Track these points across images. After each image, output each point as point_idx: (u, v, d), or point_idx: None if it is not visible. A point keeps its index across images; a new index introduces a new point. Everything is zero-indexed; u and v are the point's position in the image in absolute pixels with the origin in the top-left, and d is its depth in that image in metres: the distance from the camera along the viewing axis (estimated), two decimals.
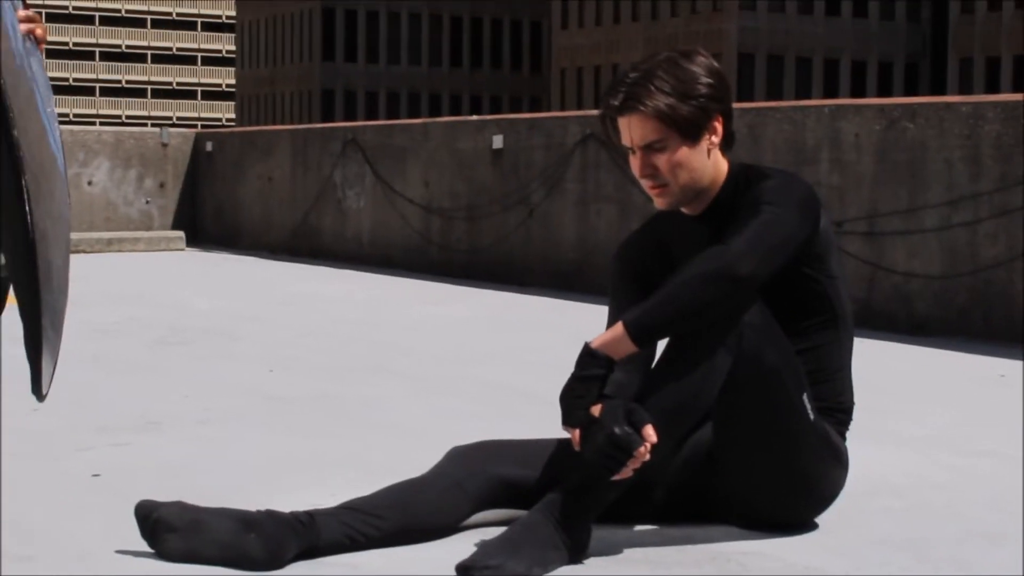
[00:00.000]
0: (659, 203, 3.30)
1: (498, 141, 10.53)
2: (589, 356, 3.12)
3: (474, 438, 4.23)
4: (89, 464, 4.06)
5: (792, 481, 3.30)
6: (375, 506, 3.19)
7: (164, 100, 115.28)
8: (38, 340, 2.59)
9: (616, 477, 3.06)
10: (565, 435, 3.48)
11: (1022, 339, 6.88)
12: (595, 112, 9.79)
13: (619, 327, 3.11)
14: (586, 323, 7.90)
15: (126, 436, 4.49)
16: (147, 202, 14.84)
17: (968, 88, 51.57)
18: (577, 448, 3.12)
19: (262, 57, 78.96)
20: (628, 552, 3.20)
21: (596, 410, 3.10)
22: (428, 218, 11.37)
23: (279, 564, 3.01)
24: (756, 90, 53.75)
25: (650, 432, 3.04)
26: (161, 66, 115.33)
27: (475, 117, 11.13)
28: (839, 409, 3.40)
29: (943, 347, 6.83)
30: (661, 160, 3.24)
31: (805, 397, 3.25)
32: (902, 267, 7.33)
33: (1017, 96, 6.92)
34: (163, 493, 3.24)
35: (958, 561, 3.13)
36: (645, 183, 3.29)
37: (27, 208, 2.42)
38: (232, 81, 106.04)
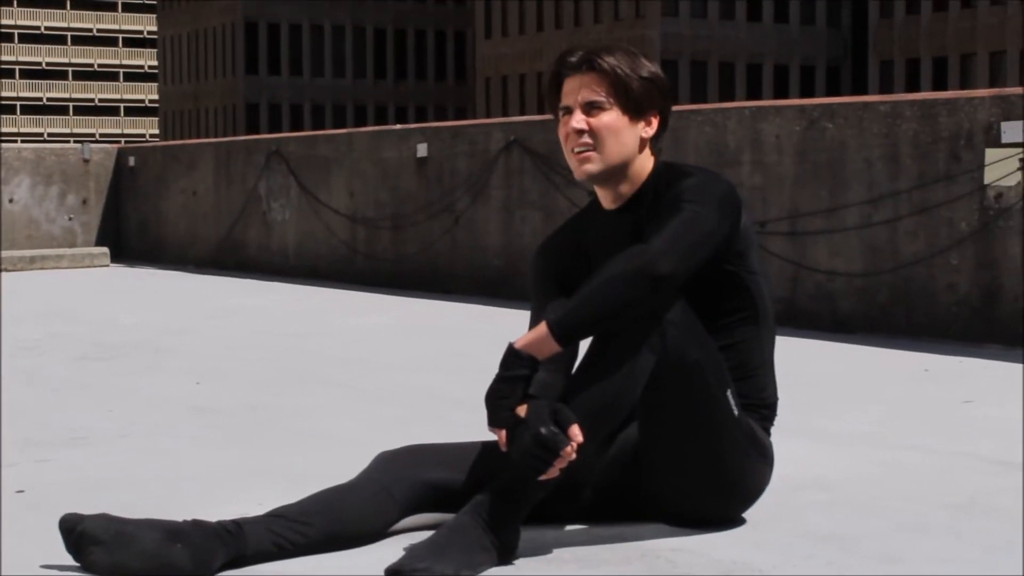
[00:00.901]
0: (583, 169, 3.31)
1: (422, 149, 10.53)
2: (513, 356, 3.13)
3: (403, 444, 4.23)
4: (13, 480, 4.01)
5: (718, 478, 3.32)
6: (302, 513, 3.17)
7: (86, 117, 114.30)
8: None
9: (543, 477, 3.07)
10: (490, 438, 3.48)
11: (943, 335, 6.96)
12: (518, 119, 9.81)
13: (542, 327, 3.12)
14: (512, 328, 7.90)
15: (50, 452, 4.44)
16: (70, 219, 14.70)
17: (889, 90, 52.12)
18: (504, 449, 3.12)
19: (185, 72, 78.47)
20: (557, 552, 3.20)
21: (522, 410, 3.10)
22: (353, 228, 11.34)
23: (207, 574, 2.99)
24: (680, 95, 54.04)
25: (576, 432, 3.05)
26: (83, 83, 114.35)
27: (399, 126, 11.13)
28: (762, 405, 3.43)
29: (866, 344, 6.90)
30: (598, 121, 3.28)
31: (729, 393, 3.27)
32: (824, 266, 7.39)
33: (934, 94, 7.00)
34: (88, 507, 3.21)
35: (884, 553, 3.16)
36: (574, 144, 3.30)
37: None
38: (155, 96, 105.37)
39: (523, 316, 8.60)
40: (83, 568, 3.03)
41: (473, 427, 4.30)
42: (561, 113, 3.36)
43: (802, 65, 57.22)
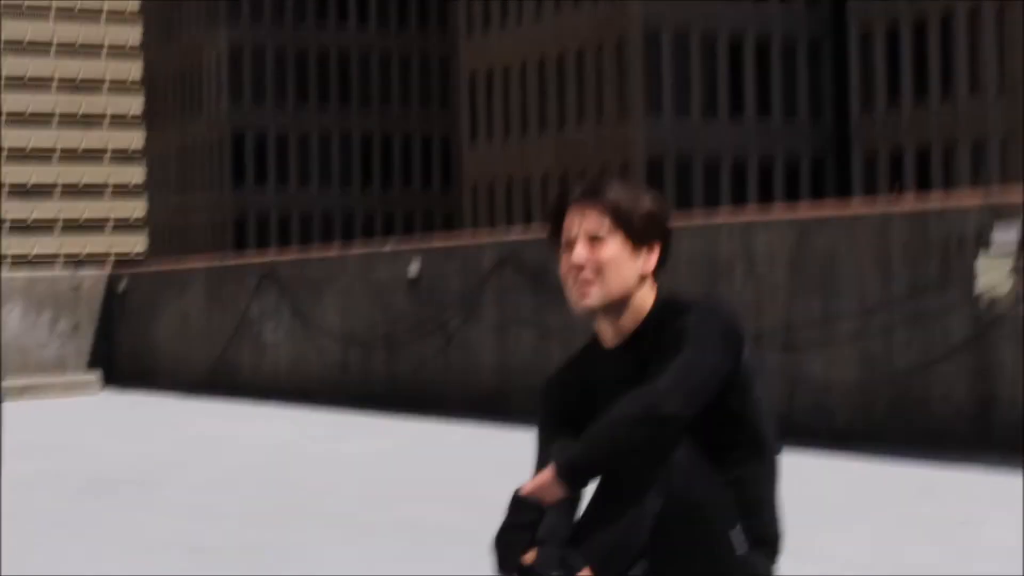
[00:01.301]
0: (583, 304, 3.27)
1: (414, 269, 10.54)
2: (519, 503, 3.09)
3: None
4: None
5: None
6: None
7: (73, 235, 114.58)
8: None
9: None
10: None
11: (941, 444, 6.92)
12: (510, 238, 9.83)
13: (549, 472, 3.08)
14: (507, 454, 7.87)
15: None
16: (61, 345, 14.66)
17: (873, 184, 52.41)
18: None
19: (172, 186, 78.81)
20: None
21: (530, 556, 3.06)
22: (346, 348, 11.32)
23: None
24: (667, 195, 54.33)
25: None
26: (71, 202, 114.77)
27: (389, 248, 11.14)
28: (767, 540, 3.38)
29: (864, 456, 6.85)
30: (601, 253, 3.25)
31: (734, 532, 3.22)
32: (820, 377, 7.37)
33: (922, 205, 7.03)
34: None
35: None
36: (576, 275, 3.27)
37: None
38: (142, 212, 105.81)
39: (517, 438, 8.56)
40: None
41: (474, 560, 4.27)
42: (564, 247, 3.34)
43: (786, 160, 57.62)
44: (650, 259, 3.34)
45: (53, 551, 5.37)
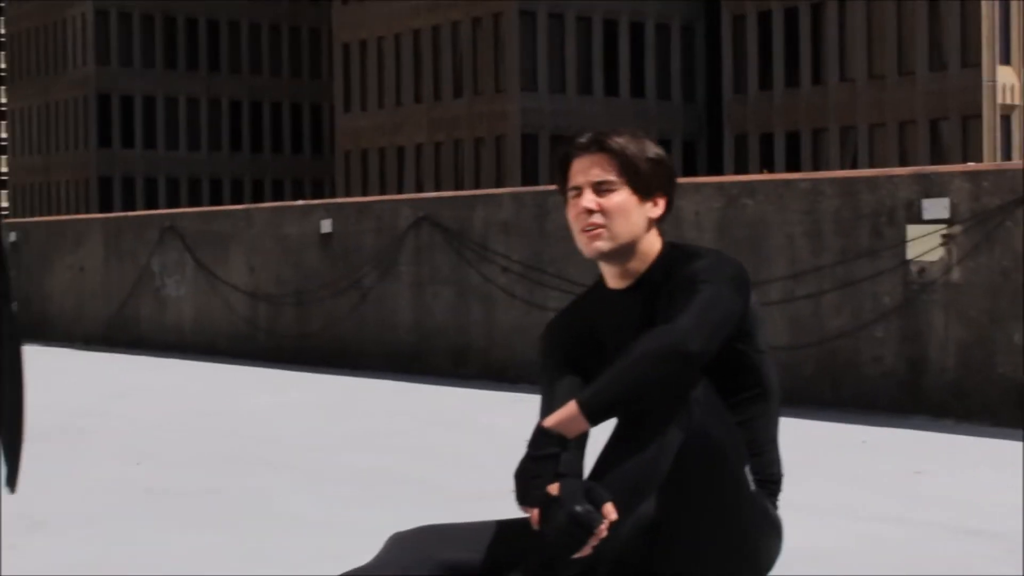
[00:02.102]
0: (593, 247, 3.33)
1: (326, 226, 10.50)
2: (543, 436, 3.14)
3: (372, 526, 4.22)
4: None
5: (735, 553, 3.35)
6: None
7: None
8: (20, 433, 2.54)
9: (576, 555, 3.08)
10: (504, 517, 3.48)
11: (870, 407, 7.10)
12: (428, 195, 9.83)
13: (572, 406, 3.13)
14: (432, 408, 7.91)
15: (15, 538, 4.33)
16: None
17: (744, 165, 53.14)
18: (536, 527, 3.12)
19: (35, 145, 77.28)
20: None
21: (553, 489, 3.11)
22: (254, 304, 11.25)
23: None
24: (540, 170, 54.54)
25: (610, 509, 3.07)
26: None
27: (301, 202, 11.08)
28: (771, 481, 3.47)
29: (794, 416, 7.00)
30: (608, 201, 3.31)
31: (747, 469, 3.32)
32: None
33: (855, 172, 7.18)
34: None
35: None
36: (584, 222, 3.32)
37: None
38: (4, 170, 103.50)
39: (437, 391, 8.63)
40: None
41: (428, 503, 4.33)
42: (571, 194, 3.39)
43: (659, 140, 58.16)
44: (656, 206, 3.42)
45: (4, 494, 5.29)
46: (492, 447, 6.27)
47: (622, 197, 3.34)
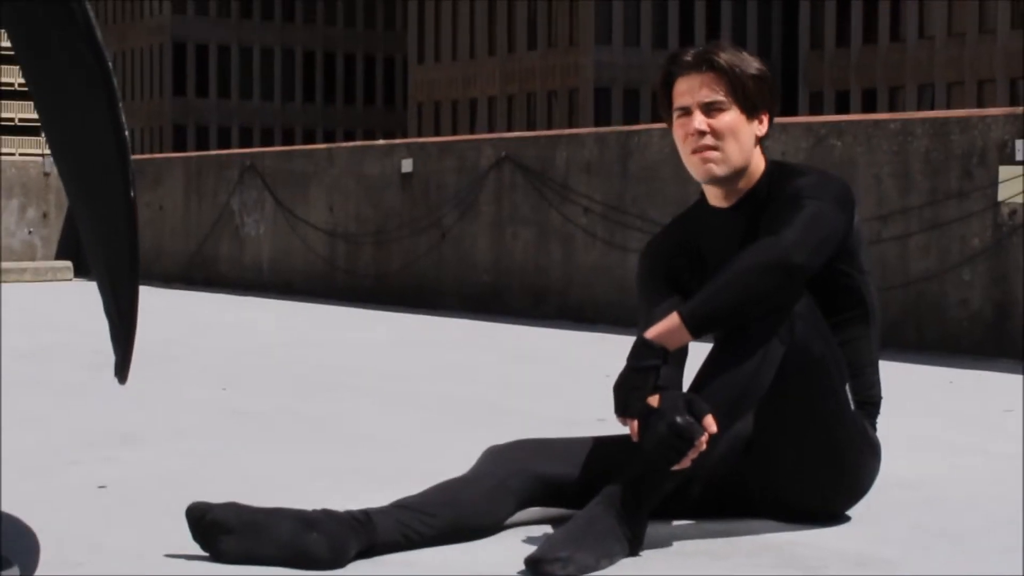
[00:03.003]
0: (705, 169, 3.30)
1: (407, 165, 10.51)
2: (645, 347, 3.13)
3: (458, 447, 4.23)
4: (84, 477, 3.95)
5: (833, 471, 3.34)
6: (426, 504, 3.15)
7: (6, 137, 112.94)
8: (134, 322, 2.56)
9: (675, 467, 3.07)
10: (599, 434, 3.49)
11: (955, 349, 7.04)
12: (510, 134, 9.82)
13: (674, 317, 3.12)
14: (508, 343, 7.93)
15: (109, 451, 4.38)
16: (30, 232, 14.52)
17: None
18: (635, 439, 3.12)
19: None
20: (678, 545, 3.20)
21: (654, 400, 3.11)
22: (333, 243, 11.29)
23: (342, 563, 2.96)
24: (613, 124, 54.33)
25: (710, 422, 3.06)
26: (4, 102, 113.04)
27: (382, 141, 11.10)
28: (869, 402, 3.46)
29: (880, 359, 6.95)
30: (718, 122, 3.28)
31: (847, 388, 3.30)
32: None
33: (945, 112, 7.10)
34: (178, 503, 3.16)
35: (999, 547, 3.18)
36: (695, 143, 3.29)
37: (131, 192, 2.37)
38: None
39: (515, 331, 8.63)
40: (212, 558, 2.99)
41: (511, 428, 4.34)
42: (676, 114, 3.36)
43: None
44: (762, 124, 3.39)
45: (92, 410, 5.37)
46: (575, 379, 6.28)
47: (732, 117, 3.31)
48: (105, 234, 2.48)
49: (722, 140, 3.29)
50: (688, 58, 3.34)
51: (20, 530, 3.25)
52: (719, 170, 3.31)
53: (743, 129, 3.32)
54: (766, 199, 3.35)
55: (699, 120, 3.29)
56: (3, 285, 12.87)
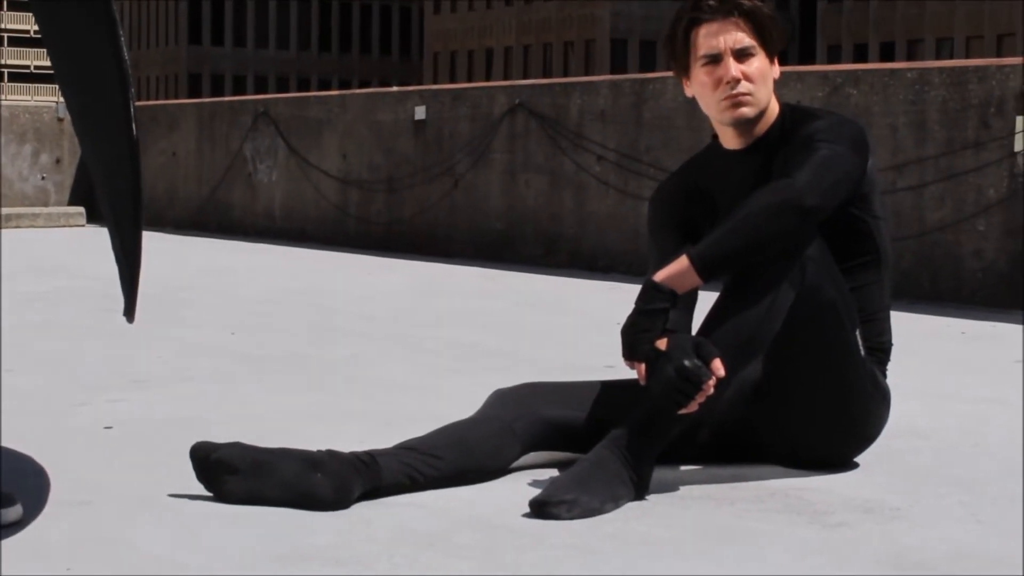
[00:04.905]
0: (739, 113, 3.26)
1: (420, 112, 10.46)
2: (654, 289, 3.09)
3: (465, 392, 4.21)
4: (91, 418, 3.95)
5: (842, 416, 3.31)
6: (432, 447, 3.14)
7: (20, 84, 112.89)
8: (138, 261, 2.54)
9: (683, 411, 3.05)
10: (606, 378, 3.46)
11: (969, 300, 7.00)
12: (523, 82, 9.76)
13: (684, 260, 3.09)
14: (519, 290, 7.91)
15: (117, 393, 4.37)
16: (43, 178, 14.51)
17: None
18: (642, 382, 3.09)
19: (126, 40, 77.82)
20: (685, 490, 3.18)
21: (662, 343, 3.08)
22: (345, 190, 11.26)
23: (346, 503, 2.95)
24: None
25: (718, 366, 3.03)
26: (17, 49, 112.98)
27: (395, 88, 11.05)
28: (880, 349, 3.42)
29: (892, 308, 6.92)
30: (749, 67, 3.25)
31: (858, 334, 3.26)
32: None
33: (962, 61, 7.03)
34: (184, 444, 3.14)
35: (1008, 495, 3.16)
36: (729, 91, 3.24)
37: (133, 129, 2.34)
38: None
39: (528, 278, 8.60)
40: (216, 497, 2.98)
41: (521, 376, 4.31)
42: (701, 62, 3.29)
43: None
44: (775, 66, 3.37)
45: (101, 352, 5.36)
46: (585, 327, 6.25)
47: (760, 62, 3.28)
48: (109, 172, 2.45)
49: (756, 85, 3.26)
50: (713, 2, 3.27)
51: (33, 469, 3.25)
52: (750, 112, 3.27)
53: (768, 73, 3.30)
54: (780, 141, 3.31)
55: (735, 67, 3.25)
56: (17, 231, 12.87)
